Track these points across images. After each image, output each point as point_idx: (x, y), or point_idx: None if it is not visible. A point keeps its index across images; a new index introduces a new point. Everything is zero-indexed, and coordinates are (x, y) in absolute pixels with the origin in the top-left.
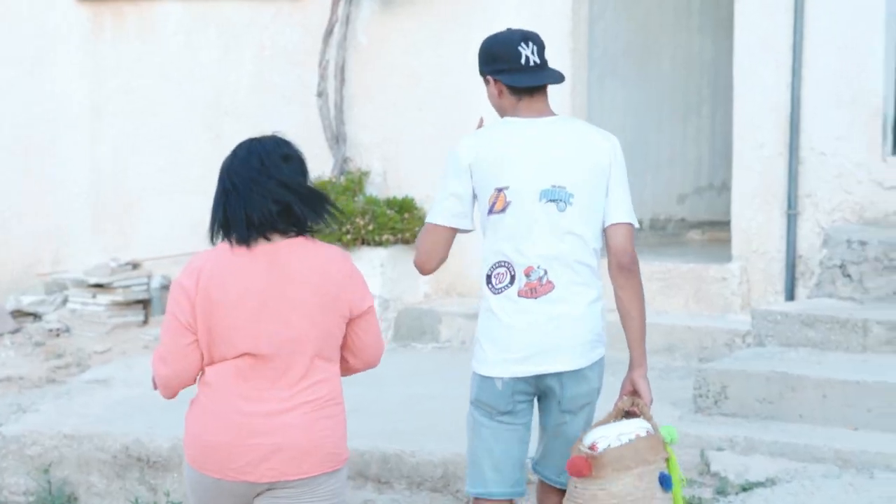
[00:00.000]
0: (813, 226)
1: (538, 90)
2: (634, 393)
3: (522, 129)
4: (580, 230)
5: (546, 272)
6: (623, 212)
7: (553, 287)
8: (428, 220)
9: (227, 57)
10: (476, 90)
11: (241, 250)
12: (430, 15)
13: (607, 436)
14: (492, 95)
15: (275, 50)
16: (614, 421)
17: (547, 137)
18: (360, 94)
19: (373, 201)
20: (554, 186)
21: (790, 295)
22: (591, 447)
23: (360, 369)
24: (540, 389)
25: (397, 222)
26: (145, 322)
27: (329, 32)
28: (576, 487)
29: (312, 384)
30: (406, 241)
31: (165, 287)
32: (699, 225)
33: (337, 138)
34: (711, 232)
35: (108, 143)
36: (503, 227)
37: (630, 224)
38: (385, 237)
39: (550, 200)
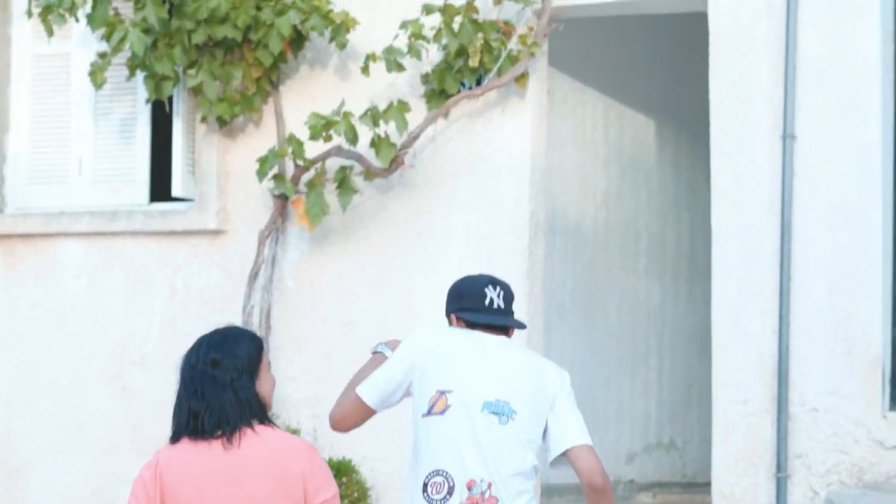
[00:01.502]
0: (805, 490)
1: (499, 333)
2: None
3: (477, 340)
4: (521, 448)
5: (490, 486)
6: (581, 434)
7: (497, 502)
8: (360, 391)
9: (133, 301)
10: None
11: (199, 441)
12: (367, 257)
13: None
14: None
15: (189, 294)
16: None
17: (498, 353)
18: (289, 345)
19: None
20: (497, 400)
21: None
22: None
23: None
24: None
25: None
26: None
27: (254, 275)
28: None
29: None
30: None
31: None
32: (649, 486)
33: None
34: (663, 495)
35: None
36: (441, 432)
37: (590, 446)
38: None
39: (493, 413)
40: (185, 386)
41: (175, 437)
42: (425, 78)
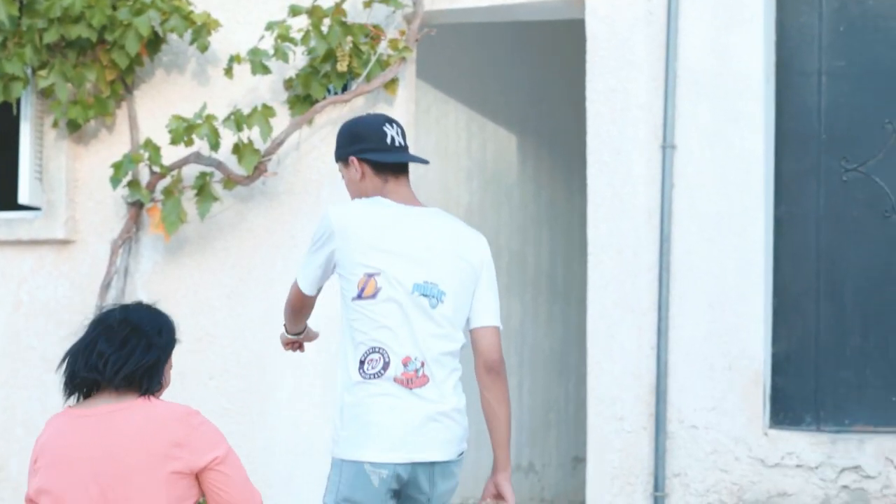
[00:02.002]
0: None
1: (402, 173)
2: (498, 496)
3: (397, 216)
4: (450, 329)
5: (423, 365)
6: (491, 315)
7: (428, 381)
8: (298, 283)
9: None
10: (282, 355)
11: (82, 409)
12: (225, 269)
13: None
14: (352, 181)
15: (34, 306)
16: None
17: (421, 229)
18: None
19: None
20: (426, 282)
21: None
22: None
23: None
24: (407, 488)
25: None
26: None
27: (106, 287)
28: None
29: None
30: None
31: None
32: None
33: None
34: None
35: None
36: (375, 314)
37: (497, 327)
38: None
39: (423, 295)
40: (92, 340)
41: (67, 391)
42: (289, 83)
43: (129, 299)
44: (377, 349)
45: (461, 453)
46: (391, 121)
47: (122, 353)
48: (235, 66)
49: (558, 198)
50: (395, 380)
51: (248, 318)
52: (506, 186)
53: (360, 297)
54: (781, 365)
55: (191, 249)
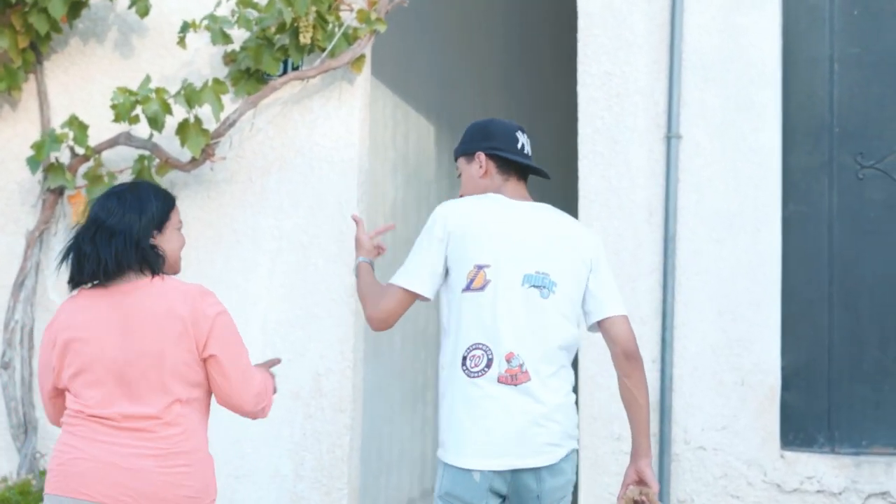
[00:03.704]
0: None
1: (523, 178)
2: (640, 482)
3: (507, 208)
4: (560, 321)
5: (526, 361)
6: (618, 303)
7: (531, 377)
8: (400, 283)
9: None
10: None
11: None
12: None
13: None
14: (471, 177)
15: None
16: None
17: (532, 221)
18: None
19: None
20: (538, 272)
21: None
22: None
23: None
24: (514, 487)
25: None
26: None
27: (20, 285)
28: None
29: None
30: None
31: None
32: None
33: (25, 426)
34: None
35: None
36: (481, 306)
37: (626, 315)
38: None
39: (534, 286)
40: (83, 230)
41: (72, 285)
42: (230, 56)
43: (38, 298)
44: (480, 345)
45: (570, 451)
46: (523, 129)
47: (105, 249)
48: (157, 37)
49: None
50: (500, 378)
51: None
52: (426, 182)
53: (468, 288)
54: (791, 380)
55: None
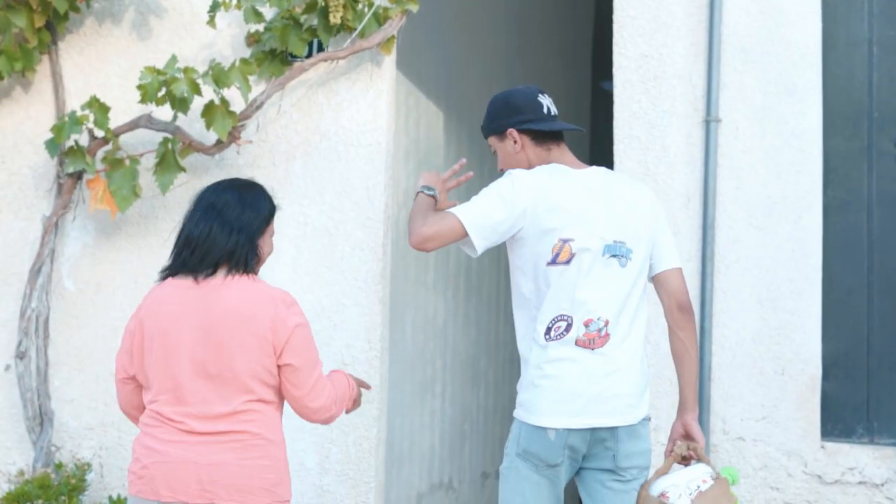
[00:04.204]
0: None
1: (561, 140)
2: (687, 436)
3: (577, 179)
4: (637, 287)
5: (606, 324)
6: (676, 257)
7: (609, 339)
8: (462, 218)
9: None
10: None
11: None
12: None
13: (677, 484)
14: (508, 154)
15: None
16: (675, 468)
17: (603, 190)
18: (66, 361)
19: None
20: (616, 242)
21: None
22: (662, 496)
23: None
24: (592, 447)
25: None
26: None
27: (36, 272)
28: None
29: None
30: None
31: None
32: None
33: (41, 418)
34: None
35: None
36: (566, 279)
37: (680, 268)
38: None
39: (613, 256)
40: (193, 217)
41: (164, 273)
42: (253, 37)
43: (54, 287)
44: (564, 317)
45: (645, 417)
46: (542, 91)
47: (207, 241)
48: (176, 18)
49: (474, 183)
50: (577, 342)
51: None
52: (436, 168)
53: (554, 262)
54: (830, 370)
55: (129, 231)
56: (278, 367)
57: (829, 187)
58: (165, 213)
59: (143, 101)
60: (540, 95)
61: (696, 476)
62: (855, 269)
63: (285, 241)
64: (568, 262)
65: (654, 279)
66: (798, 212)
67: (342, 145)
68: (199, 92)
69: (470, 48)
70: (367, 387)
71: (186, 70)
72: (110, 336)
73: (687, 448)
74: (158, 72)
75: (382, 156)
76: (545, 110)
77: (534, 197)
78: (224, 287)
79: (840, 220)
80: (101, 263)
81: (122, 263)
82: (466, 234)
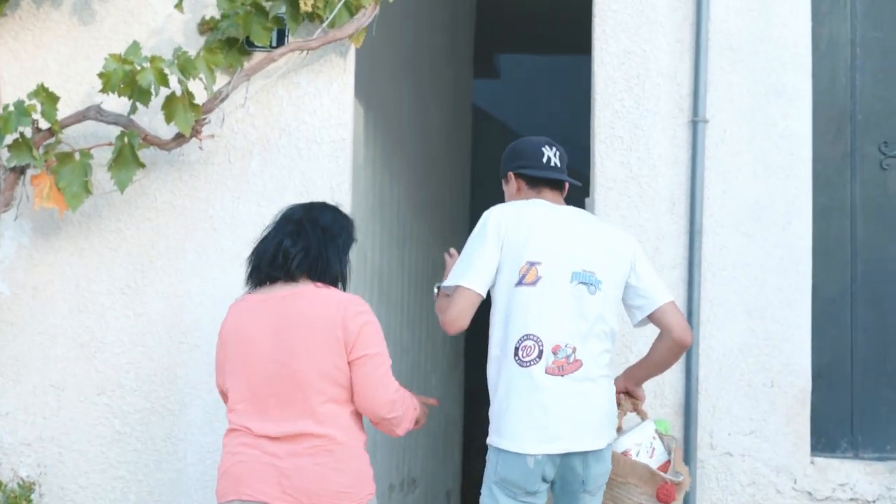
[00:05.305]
0: None
1: (556, 188)
2: (626, 392)
3: (552, 211)
4: (606, 315)
5: (574, 350)
6: (666, 292)
7: (580, 366)
8: (462, 283)
9: None
10: (196, 365)
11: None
12: (118, 257)
13: (640, 443)
14: (510, 195)
15: None
16: (628, 426)
17: (576, 223)
18: (2, 370)
19: None
20: (585, 271)
21: None
22: (625, 454)
23: (370, 418)
24: (561, 471)
25: None
26: None
27: None
28: None
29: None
30: None
31: None
32: None
33: None
34: None
35: None
36: (532, 301)
37: (673, 301)
38: None
39: (581, 283)
40: (278, 239)
41: (248, 285)
42: (207, 25)
43: None
44: (531, 336)
45: (611, 440)
46: (552, 144)
47: (304, 250)
48: (122, 2)
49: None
50: (547, 370)
51: (149, 320)
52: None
53: (520, 283)
54: (814, 382)
55: (71, 231)
56: (350, 363)
57: (812, 193)
58: (110, 213)
59: (104, 90)
60: (546, 147)
61: (648, 433)
62: (839, 278)
63: (240, 244)
64: (534, 283)
65: (652, 317)
66: (787, 217)
67: (304, 142)
68: (166, 83)
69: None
70: (433, 402)
71: (153, 59)
72: (48, 344)
73: (631, 405)
74: (124, 60)
75: (348, 154)
76: (545, 160)
77: (509, 225)
78: (297, 295)
79: (822, 227)
80: (38, 266)
81: (62, 266)
82: (480, 296)
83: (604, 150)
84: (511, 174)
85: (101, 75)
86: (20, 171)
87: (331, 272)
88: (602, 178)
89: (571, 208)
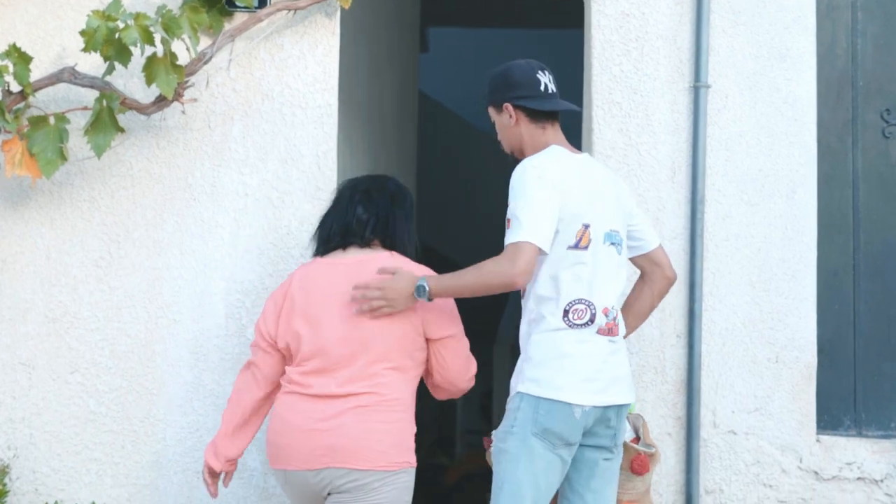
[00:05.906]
0: None
1: (556, 119)
2: None
3: (577, 164)
4: (625, 274)
5: (618, 314)
6: (656, 235)
7: (618, 327)
8: (529, 239)
9: None
10: (175, 341)
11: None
12: (92, 227)
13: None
14: (504, 126)
15: None
16: None
17: (596, 176)
18: None
19: None
20: (612, 230)
21: None
22: None
23: (446, 388)
24: (596, 427)
25: None
26: None
27: None
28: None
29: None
30: None
31: None
32: None
33: None
34: None
35: None
36: (584, 264)
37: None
38: None
39: (612, 244)
40: (349, 206)
41: (319, 250)
42: None
43: None
44: (582, 300)
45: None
46: (543, 67)
47: (378, 215)
48: None
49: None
50: (599, 331)
51: (125, 294)
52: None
53: (576, 246)
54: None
55: (41, 200)
56: (432, 342)
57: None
58: (83, 181)
59: (86, 49)
60: (539, 72)
61: None
62: (841, 250)
63: (222, 214)
64: (586, 247)
65: (646, 258)
66: (791, 186)
67: (287, 107)
68: (152, 42)
69: None
70: None
71: (138, 16)
72: (18, 319)
73: None
74: (108, 17)
75: (334, 119)
76: (543, 88)
77: (561, 182)
78: (370, 261)
79: (825, 196)
80: (6, 237)
81: (32, 237)
82: (544, 251)
83: (602, 115)
84: (510, 106)
85: (82, 33)
86: None
87: (399, 238)
88: (600, 145)
89: (585, 156)
